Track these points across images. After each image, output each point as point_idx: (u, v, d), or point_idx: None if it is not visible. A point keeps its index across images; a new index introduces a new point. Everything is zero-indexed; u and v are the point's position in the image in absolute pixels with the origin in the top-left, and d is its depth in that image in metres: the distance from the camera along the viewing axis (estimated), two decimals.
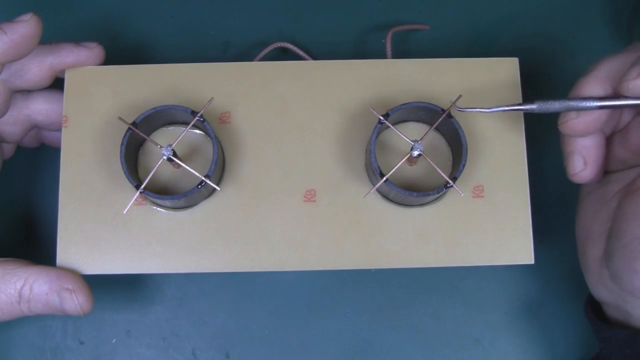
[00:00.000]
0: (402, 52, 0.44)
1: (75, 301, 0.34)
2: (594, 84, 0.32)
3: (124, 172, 0.33)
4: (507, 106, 0.34)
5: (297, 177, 0.36)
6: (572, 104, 0.32)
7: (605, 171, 0.35)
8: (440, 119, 0.34)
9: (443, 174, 0.33)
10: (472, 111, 0.34)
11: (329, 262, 0.35)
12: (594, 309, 0.36)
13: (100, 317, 0.41)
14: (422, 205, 0.36)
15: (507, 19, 0.45)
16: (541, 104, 0.33)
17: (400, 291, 0.41)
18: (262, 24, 0.45)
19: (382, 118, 0.34)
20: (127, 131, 0.34)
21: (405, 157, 0.34)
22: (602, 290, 0.34)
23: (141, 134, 0.34)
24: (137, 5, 0.45)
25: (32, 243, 0.42)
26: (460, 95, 0.35)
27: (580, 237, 0.36)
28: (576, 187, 0.37)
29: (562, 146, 0.35)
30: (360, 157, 0.36)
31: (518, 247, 0.35)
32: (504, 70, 0.37)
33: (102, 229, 0.35)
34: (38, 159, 0.43)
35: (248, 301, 0.41)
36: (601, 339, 0.35)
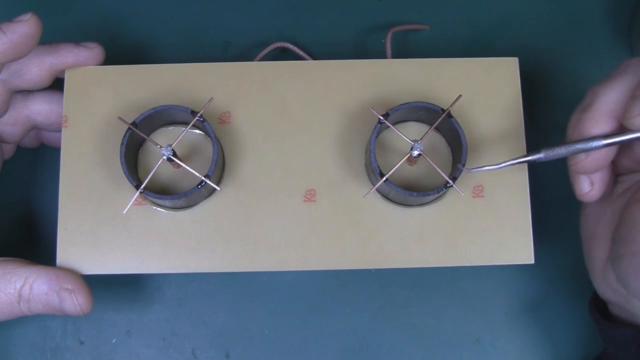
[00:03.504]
0: (402, 52, 0.44)
1: (75, 301, 0.34)
2: (598, 121, 0.31)
3: (124, 172, 0.33)
4: (515, 159, 0.33)
5: (297, 177, 0.36)
6: (580, 146, 0.31)
7: None
8: (440, 119, 0.34)
9: (443, 174, 0.33)
10: (481, 170, 0.33)
11: (329, 262, 0.35)
12: (598, 307, 0.35)
13: (100, 317, 0.41)
14: (422, 205, 0.36)
15: (507, 19, 0.45)
16: (548, 152, 0.32)
17: (400, 291, 0.41)
18: (262, 24, 0.45)
19: (382, 118, 0.34)
20: (127, 131, 0.34)
21: (405, 157, 0.34)
22: (607, 290, 0.34)
23: (141, 134, 0.34)
24: (137, 5, 0.45)
25: (32, 243, 0.42)
26: (460, 95, 0.34)
27: (585, 238, 0.35)
28: None
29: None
30: (360, 157, 0.36)
31: (518, 247, 0.35)
32: (504, 70, 0.37)
33: (102, 229, 0.35)
34: (38, 159, 0.43)
35: (248, 301, 0.41)
36: (606, 338, 0.34)
